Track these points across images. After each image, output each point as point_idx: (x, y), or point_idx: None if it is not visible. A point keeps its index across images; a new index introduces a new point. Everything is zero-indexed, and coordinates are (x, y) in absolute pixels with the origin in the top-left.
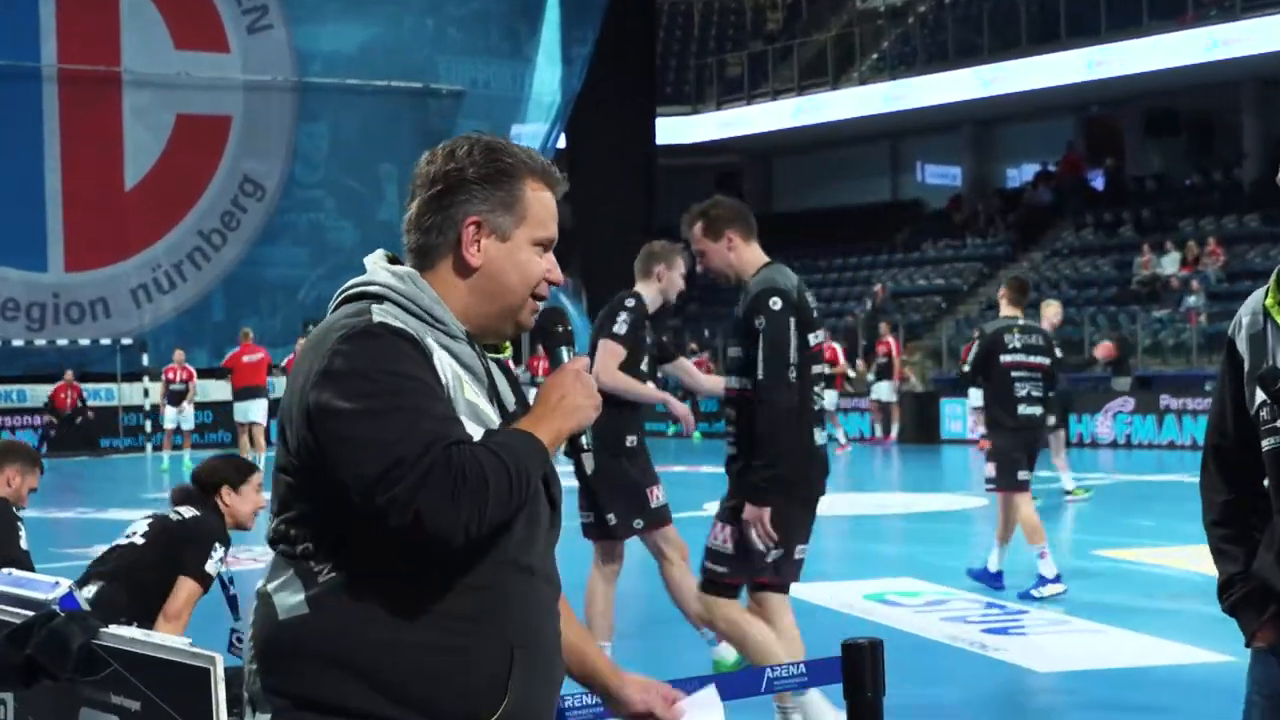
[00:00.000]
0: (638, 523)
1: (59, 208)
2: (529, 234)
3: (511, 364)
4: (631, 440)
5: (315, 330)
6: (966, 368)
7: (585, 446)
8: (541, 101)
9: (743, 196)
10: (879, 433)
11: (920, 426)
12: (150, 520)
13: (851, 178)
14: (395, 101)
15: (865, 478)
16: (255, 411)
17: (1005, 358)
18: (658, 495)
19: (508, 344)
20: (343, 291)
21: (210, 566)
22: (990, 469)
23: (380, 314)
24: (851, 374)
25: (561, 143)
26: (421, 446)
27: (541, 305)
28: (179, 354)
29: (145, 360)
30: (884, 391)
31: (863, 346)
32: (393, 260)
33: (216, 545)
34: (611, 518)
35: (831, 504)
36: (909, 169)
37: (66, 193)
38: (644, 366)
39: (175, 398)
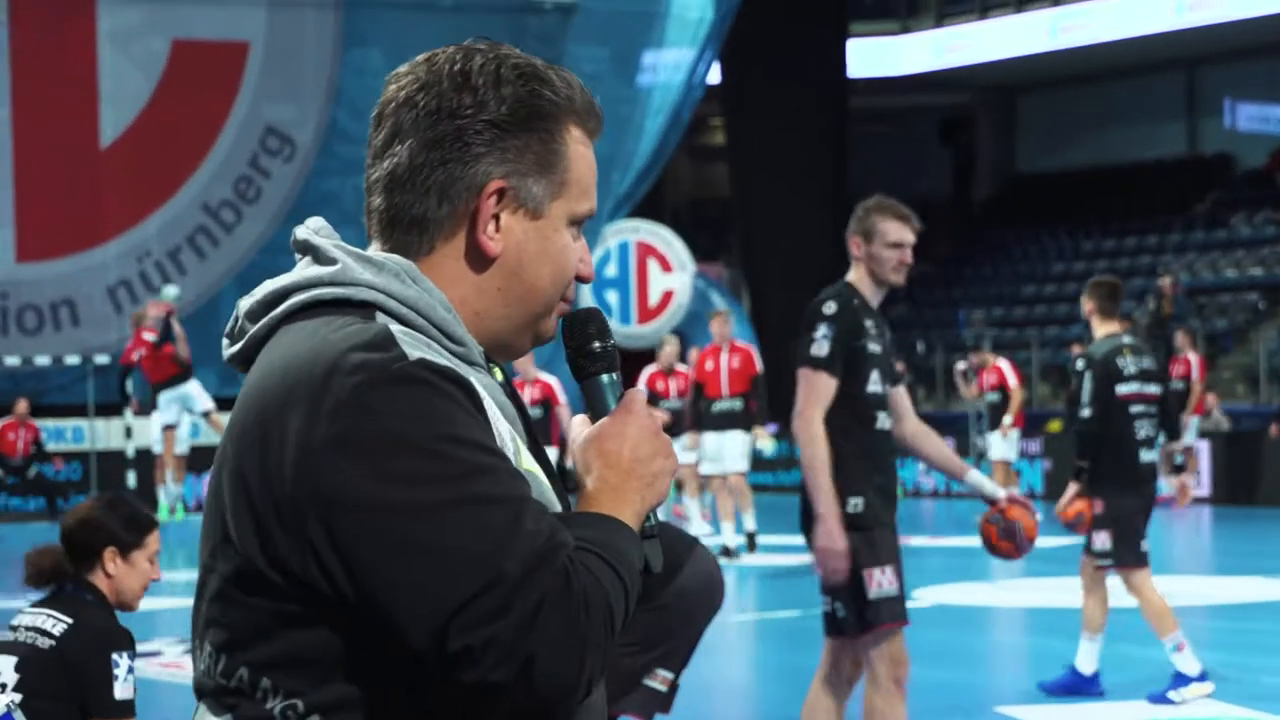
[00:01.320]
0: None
1: (8, 173)
2: (569, 208)
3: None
4: (855, 504)
5: (275, 360)
6: (1086, 411)
7: (651, 531)
8: (686, 19)
9: (974, 151)
10: (1169, 489)
11: (1231, 480)
12: (14, 659)
13: (1130, 124)
14: (478, 21)
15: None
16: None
17: (1121, 389)
18: (882, 582)
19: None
20: (292, 289)
21: (121, 690)
22: (1105, 539)
23: (411, 344)
24: None
25: (715, 77)
26: (529, 562)
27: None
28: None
29: (129, 387)
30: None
31: None
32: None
33: (117, 657)
34: (838, 607)
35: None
36: (1213, 110)
37: (18, 151)
38: (874, 388)
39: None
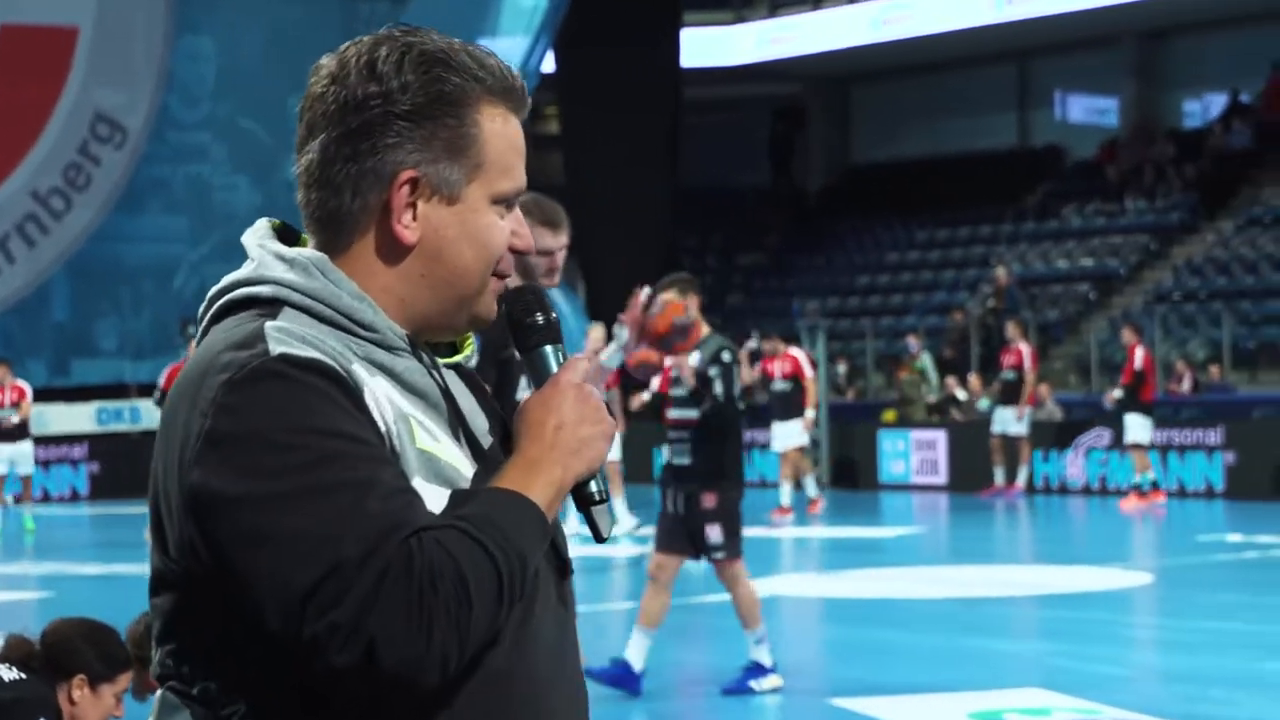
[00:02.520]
0: None
1: None
2: (488, 188)
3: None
4: None
5: (189, 363)
6: (742, 404)
7: (599, 496)
8: (520, 6)
9: (807, 141)
10: (1001, 480)
11: (1062, 471)
12: None
13: (962, 115)
14: (311, 7)
15: (976, 545)
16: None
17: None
18: None
19: (469, 340)
20: (217, 294)
21: None
22: (718, 533)
23: (278, 338)
24: (960, 395)
25: (549, 65)
26: (368, 542)
27: (505, 285)
28: None
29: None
30: (1009, 421)
31: (977, 355)
32: (285, 235)
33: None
34: None
35: (926, 582)
36: (1044, 102)
37: None
38: (526, 394)
39: (5, 432)
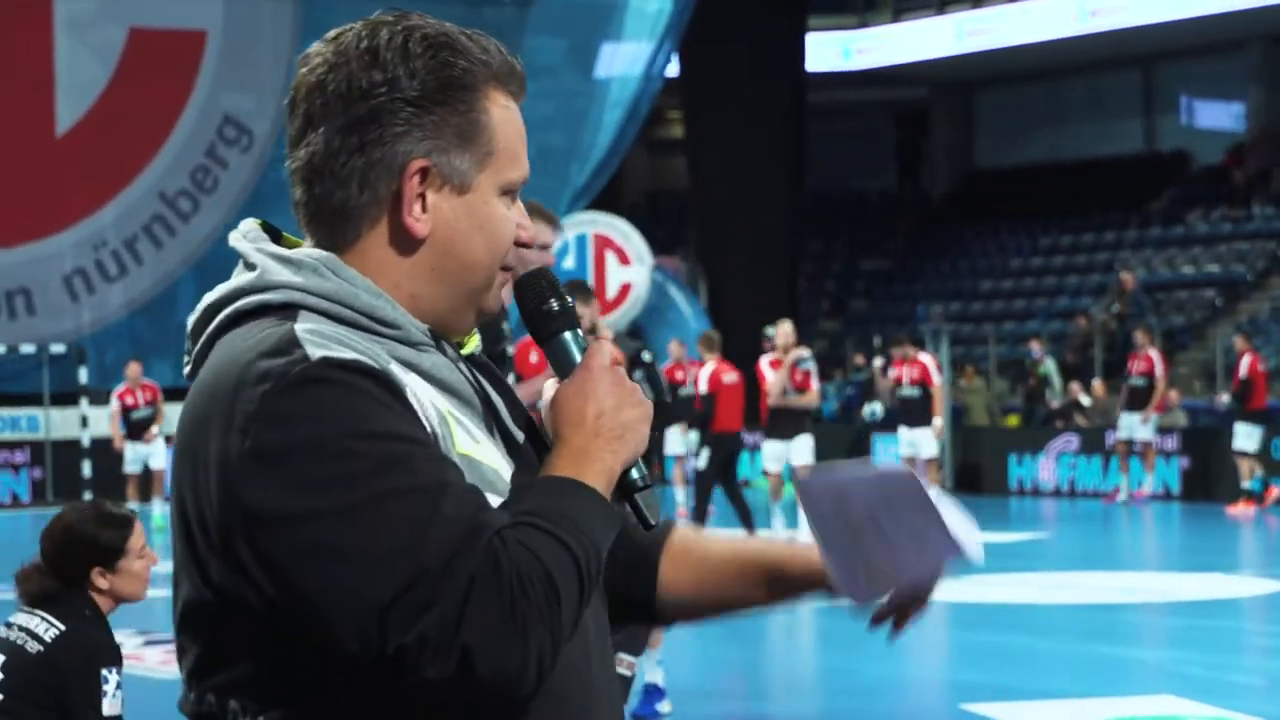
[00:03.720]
0: None
1: None
2: (497, 177)
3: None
4: None
5: (203, 377)
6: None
7: (642, 483)
8: (645, 11)
9: (931, 146)
10: (1128, 486)
11: (1191, 477)
12: (2, 658)
13: (1087, 120)
14: (437, 10)
15: (1106, 550)
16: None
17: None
18: None
19: (474, 335)
20: (217, 305)
21: (110, 706)
22: None
23: (315, 342)
24: (1084, 401)
25: (673, 70)
26: (450, 548)
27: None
28: (134, 367)
29: (84, 376)
30: (1139, 427)
31: (1101, 362)
32: (273, 235)
33: (106, 672)
34: None
35: (1054, 588)
36: (1169, 107)
37: None
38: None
39: (138, 428)
